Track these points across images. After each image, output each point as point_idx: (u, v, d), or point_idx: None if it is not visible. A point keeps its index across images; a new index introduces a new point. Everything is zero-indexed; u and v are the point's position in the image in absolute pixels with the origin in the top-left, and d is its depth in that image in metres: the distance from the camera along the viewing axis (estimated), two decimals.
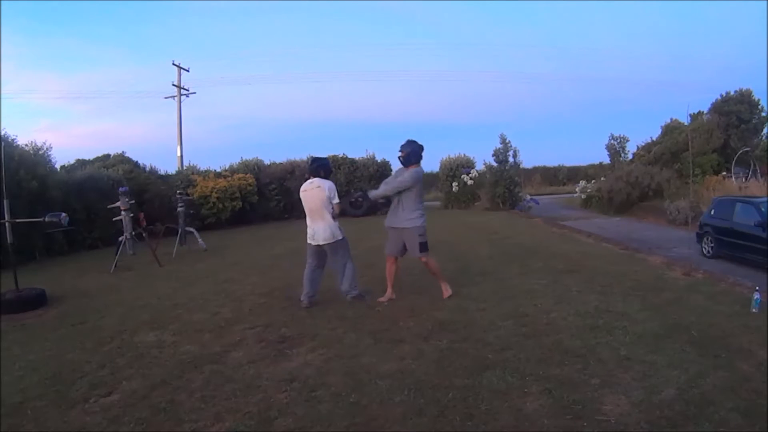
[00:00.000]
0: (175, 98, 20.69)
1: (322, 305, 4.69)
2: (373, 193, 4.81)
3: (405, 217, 4.52)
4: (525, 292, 4.79)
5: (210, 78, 49.10)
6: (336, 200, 4.54)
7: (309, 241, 4.63)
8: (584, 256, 6.78)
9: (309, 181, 4.64)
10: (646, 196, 15.16)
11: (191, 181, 13.75)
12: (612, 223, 13.02)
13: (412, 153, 4.56)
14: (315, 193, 4.52)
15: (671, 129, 19.69)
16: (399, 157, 4.63)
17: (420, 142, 4.62)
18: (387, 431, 2.39)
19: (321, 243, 4.55)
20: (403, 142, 4.60)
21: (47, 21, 44.56)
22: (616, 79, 44.92)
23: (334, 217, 4.54)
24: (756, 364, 2.94)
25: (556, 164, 32.62)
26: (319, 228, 4.52)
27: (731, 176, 15.83)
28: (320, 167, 4.72)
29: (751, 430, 2.26)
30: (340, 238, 4.58)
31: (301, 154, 21.29)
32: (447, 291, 4.72)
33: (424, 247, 4.55)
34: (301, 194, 4.64)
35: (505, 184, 15.79)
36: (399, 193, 4.52)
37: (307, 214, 4.61)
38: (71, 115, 48.58)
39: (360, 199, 4.67)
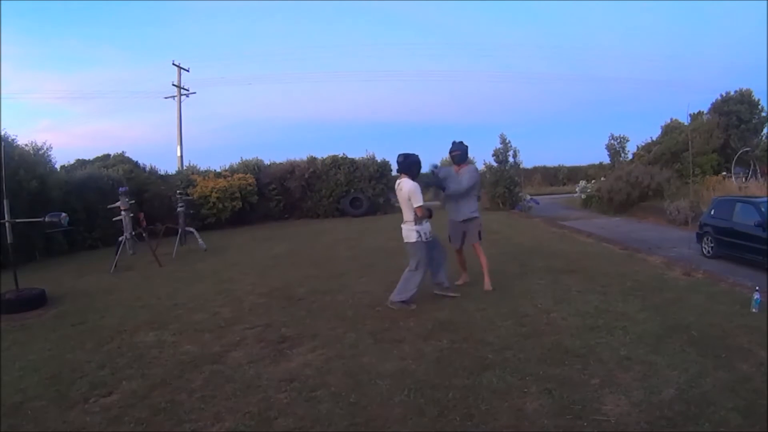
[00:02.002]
0: (175, 98, 20.69)
1: (321, 305, 4.70)
2: (453, 189, 5.03)
3: (468, 211, 5.09)
4: (525, 292, 4.79)
5: (210, 78, 48.85)
6: (416, 203, 4.32)
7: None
8: (584, 256, 6.78)
9: (399, 179, 4.56)
10: (646, 196, 15.16)
11: (191, 181, 13.74)
12: (612, 223, 13.03)
13: (463, 153, 5.12)
14: (398, 193, 4.52)
15: (671, 129, 19.70)
16: (453, 157, 5.12)
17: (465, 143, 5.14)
18: (387, 431, 2.39)
19: (413, 240, 4.44)
20: (456, 141, 5.09)
21: (47, 21, 44.52)
22: (616, 79, 44.81)
23: (416, 220, 4.39)
24: (756, 364, 2.94)
25: (556, 164, 32.67)
26: (403, 227, 4.51)
27: (731, 176, 15.84)
28: (403, 165, 4.54)
29: (751, 430, 2.26)
30: (412, 241, 4.43)
31: (301, 154, 21.34)
32: (488, 285, 4.96)
33: (480, 235, 5.18)
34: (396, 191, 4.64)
35: (505, 184, 15.80)
36: (466, 191, 5.03)
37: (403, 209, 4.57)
38: (71, 115, 48.47)
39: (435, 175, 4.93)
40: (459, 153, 5.06)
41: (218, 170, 15.11)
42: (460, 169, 5.07)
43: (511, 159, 16.20)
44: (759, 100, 18.14)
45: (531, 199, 17.14)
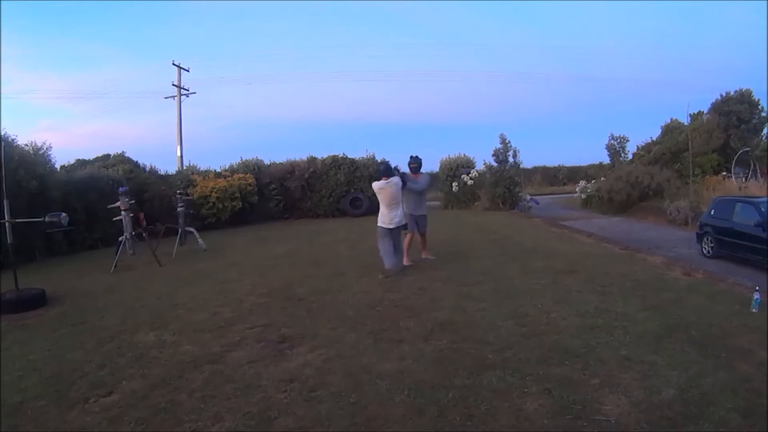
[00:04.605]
0: (175, 98, 20.69)
1: (321, 305, 4.70)
2: (421, 185, 6.61)
3: (423, 208, 6.77)
4: (525, 292, 4.79)
5: (210, 78, 48.72)
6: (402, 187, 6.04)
7: (386, 226, 5.92)
8: (584, 256, 6.78)
9: (385, 181, 5.91)
10: (646, 196, 15.13)
11: (191, 181, 13.74)
12: (612, 223, 13.01)
13: (420, 164, 6.84)
14: (394, 189, 5.89)
15: (671, 129, 19.65)
16: (413, 167, 6.73)
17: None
18: (387, 431, 2.39)
19: (396, 225, 5.94)
20: (414, 155, 6.74)
21: (47, 21, 44.48)
22: (616, 79, 44.73)
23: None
24: (756, 364, 2.94)
25: (556, 164, 32.57)
26: (398, 214, 5.95)
27: (731, 176, 15.81)
28: (392, 169, 6.16)
29: (751, 430, 2.26)
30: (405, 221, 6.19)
31: (301, 154, 21.30)
32: (428, 255, 6.82)
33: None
34: (379, 190, 5.97)
35: (505, 184, 15.77)
36: (422, 191, 6.70)
37: (385, 204, 5.93)
38: (71, 115, 48.31)
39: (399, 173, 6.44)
40: (416, 165, 6.78)
41: (218, 170, 15.10)
42: (417, 177, 6.65)
43: (511, 159, 16.16)
44: (759, 100, 18.08)
45: (531, 199, 17.10)
